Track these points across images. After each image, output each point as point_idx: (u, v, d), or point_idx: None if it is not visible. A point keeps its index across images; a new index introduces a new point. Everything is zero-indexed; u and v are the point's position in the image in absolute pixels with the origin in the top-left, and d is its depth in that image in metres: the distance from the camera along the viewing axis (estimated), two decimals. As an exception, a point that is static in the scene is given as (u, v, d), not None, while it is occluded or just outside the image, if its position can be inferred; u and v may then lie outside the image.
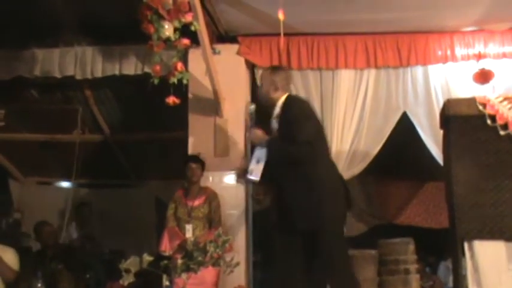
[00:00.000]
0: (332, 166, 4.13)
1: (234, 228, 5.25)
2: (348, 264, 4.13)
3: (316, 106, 5.39)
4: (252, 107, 4.50)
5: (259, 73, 5.62)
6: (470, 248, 4.12)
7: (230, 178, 5.43)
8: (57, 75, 5.79)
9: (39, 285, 4.86)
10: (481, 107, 4.15)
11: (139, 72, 5.67)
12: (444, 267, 6.75)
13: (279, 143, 4.06)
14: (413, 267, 5.21)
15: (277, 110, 4.15)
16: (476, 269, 4.10)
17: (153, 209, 7.41)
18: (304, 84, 5.51)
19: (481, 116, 4.14)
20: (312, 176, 3.92)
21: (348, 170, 5.38)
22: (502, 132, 4.10)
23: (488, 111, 4.13)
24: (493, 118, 4.12)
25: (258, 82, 4.30)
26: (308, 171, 3.93)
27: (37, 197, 7.64)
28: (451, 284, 5.71)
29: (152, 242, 6.13)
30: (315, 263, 3.98)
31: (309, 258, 3.99)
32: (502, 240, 4.10)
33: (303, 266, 4.02)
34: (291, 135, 3.93)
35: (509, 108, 4.12)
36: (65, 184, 8.00)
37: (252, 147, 4.44)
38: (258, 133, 4.24)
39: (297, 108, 4.07)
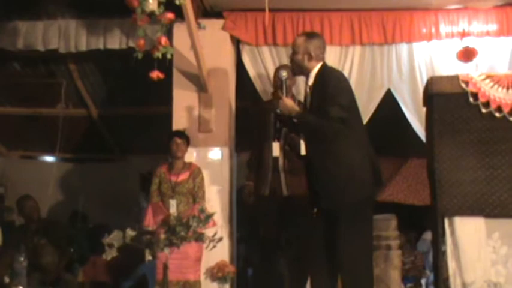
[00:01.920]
0: (362, 144, 3.95)
1: (218, 204, 5.26)
2: (367, 256, 3.97)
3: (301, 83, 5.41)
4: (284, 73, 4.22)
5: (244, 49, 5.61)
6: (451, 224, 4.15)
7: (214, 153, 5.43)
8: (41, 48, 5.73)
9: (22, 259, 4.88)
10: (463, 85, 4.15)
11: (124, 46, 5.62)
12: (422, 241, 6.84)
13: (310, 116, 3.94)
14: (395, 243, 5.26)
15: (310, 79, 4.02)
16: (456, 244, 4.13)
17: (137, 183, 7.42)
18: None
19: (464, 94, 4.13)
20: (339, 154, 3.84)
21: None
22: (483, 110, 4.10)
23: (470, 89, 4.13)
24: (475, 96, 4.12)
25: (293, 48, 4.03)
26: (337, 148, 3.84)
27: (21, 171, 7.64)
28: (430, 258, 5.79)
29: (136, 217, 6.15)
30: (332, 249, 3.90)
31: (328, 242, 3.92)
32: (482, 217, 4.12)
33: (322, 250, 3.96)
34: (324, 109, 3.81)
35: (491, 87, 4.12)
36: (49, 158, 7.99)
37: (279, 118, 4.23)
38: (289, 103, 4.03)
39: (332, 81, 3.91)
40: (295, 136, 4.46)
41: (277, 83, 4.78)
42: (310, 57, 4.01)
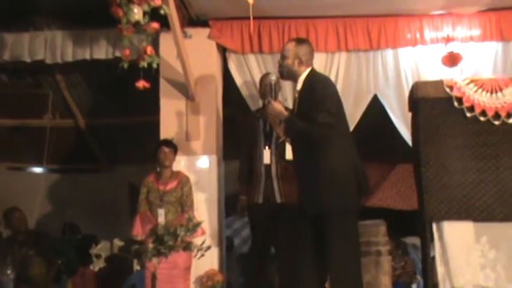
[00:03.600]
0: (348, 149, 3.99)
1: (206, 212, 5.26)
2: (354, 261, 3.98)
3: (287, 90, 5.43)
4: (273, 78, 4.33)
5: (230, 57, 5.63)
6: (439, 229, 4.17)
7: (202, 162, 5.43)
8: (27, 59, 5.74)
9: (9, 271, 4.84)
10: (448, 90, 4.19)
11: (110, 56, 5.64)
12: (410, 246, 6.86)
13: (298, 120, 3.97)
14: (384, 248, 5.25)
15: (299, 85, 4.07)
16: (444, 249, 4.15)
17: (125, 193, 7.41)
18: (276, 68, 5.49)
19: (448, 99, 4.17)
20: (324, 160, 3.88)
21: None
22: (468, 114, 4.14)
23: (455, 93, 4.17)
24: (459, 100, 4.16)
25: (283, 53, 4.12)
26: (322, 154, 3.88)
27: (8, 182, 7.57)
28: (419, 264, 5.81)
29: (125, 227, 6.13)
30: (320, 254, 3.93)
31: (316, 248, 3.96)
32: (470, 221, 4.14)
33: (311, 256, 3.99)
34: (311, 114, 3.86)
35: (476, 91, 4.16)
36: (37, 169, 7.95)
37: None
38: (277, 107, 4.13)
39: (320, 86, 3.97)
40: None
41: (265, 88, 4.80)
42: (300, 62, 4.07)
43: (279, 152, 4.82)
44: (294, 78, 4.14)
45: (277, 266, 5.08)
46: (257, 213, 4.93)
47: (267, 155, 4.86)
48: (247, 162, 5.01)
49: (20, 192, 7.11)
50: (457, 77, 4.42)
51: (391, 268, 5.38)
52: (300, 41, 4.24)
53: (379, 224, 5.34)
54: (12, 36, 5.72)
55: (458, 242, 4.14)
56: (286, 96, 5.39)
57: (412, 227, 6.74)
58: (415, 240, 6.58)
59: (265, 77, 5.04)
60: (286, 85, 5.31)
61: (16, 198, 6.67)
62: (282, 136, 4.52)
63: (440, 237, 4.17)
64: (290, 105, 5.15)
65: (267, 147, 4.84)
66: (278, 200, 4.84)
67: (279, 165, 4.85)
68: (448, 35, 5.41)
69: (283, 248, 4.87)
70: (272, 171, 4.87)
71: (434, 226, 4.18)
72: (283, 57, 4.13)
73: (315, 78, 4.06)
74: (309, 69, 4.10)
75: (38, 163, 7.53)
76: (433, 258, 4.23)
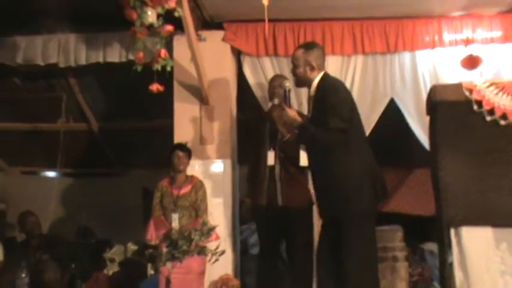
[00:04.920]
0: (364, 153, 4.00)
1: (220, 217, 5.27)
2: (371, 266, 3.99)
3: (302, 94, 5.42)
4: (287, 84, 4.32)
5: (245, 60, 5.64)
6: (457, 235, 4.14)
7: (216, 166, 5.44)
8: (40, 62, 5.78)
9: (24, 275, 4.87)
10: (467, 93, 4.16)
11: (123, 59, 5.67)
12: (427, 252, 6.81)
13: (312, 127, 3.98)
14: (401, 254, 5.26)
15: (312, 90, 4.09)
16: (463, 256, 4.12)
17: (139, 198, 7.43)
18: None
19: (468, 102, 4.14)
20: (338, 165, 3.89)
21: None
22: (488, 118, 4.11)
23: (474, 96, 4.14)
24: (479, 104, 4.13)
25: (293, 61, 4.14)
26: (336, 159, 3.90)
27: (21, 186, 7.65)
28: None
29: (139, 232, 6.16)
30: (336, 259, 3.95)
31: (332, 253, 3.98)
32: (489, 227, 4.12)
33: (327, 261, 4.02)
34: (325, 119, 3.87)
35: (496, 94, 4.14)
36: (50, 174, 8.00)
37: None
38: (292, 114, 4.13)
39: (331, 91, 3.97)
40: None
41: (274, 90, 4.90)
42: (312, 68, 4.08)
43: (288, 155, 4.83)
44: (308, 84, 4.15)
45: (288, 271, 5.08)
46: (261, 215, 4.95)
47: (271, 157, 4.87)
48: (253, 164, 5.03)
49: (33, 196, 7.16)
50: (477, 80, 4.39)
51: (408, 274, 5.37)
52: (308, 47, 4.22)
53: (396, 230, 5.33)
54: (25, 39, 5.76)
55: (477, 248, 4.11)
56: (302, 101, 5.39)
57: (430, 233, 6.71)
58: (432, 247, 6.53)
59: (275, 78, 5.07)
60: (302, 89, 5.30)
61: (30, 202, 6.71)
62: (286, 135, 4.61)
63: (459, 243, 4.14)
64: (305, 110, 5.18)
65: (272, 149, 4.85)
66: (280, 202, 4.84)
67: (282, 168, 4.86)
68: (467, 37, 5.38)
69: (294, 253, 4.88)
70: (275, 174, 4.87)
71: (452, 232, 4.15)
72: (294, 66, 4.15)
73: (327, 83, 4.07)
74: (321, 74, 4.10)
75: (52, 167, 7.57)
76: (451, 264, 4.20)
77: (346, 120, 3.89)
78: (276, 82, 4.97)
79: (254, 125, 5.18)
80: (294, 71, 4.17)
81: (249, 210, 5.03)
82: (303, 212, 4.82)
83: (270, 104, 5.04)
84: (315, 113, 4.05)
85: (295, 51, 4.25)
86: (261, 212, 4.94)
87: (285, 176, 4.84)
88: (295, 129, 4.10)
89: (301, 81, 4.17)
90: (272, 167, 4.86)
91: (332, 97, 3.93)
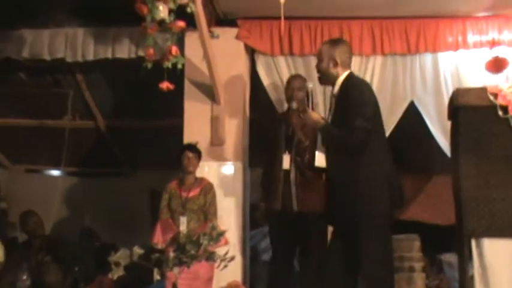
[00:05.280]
0: (383, 158, 4.01)
1: (230, 221, 5.24)
2: (386, 273, 3.97)
3: (319, 94, 5.39)
4: (310, 85, 4.39)
5: (258, 58, 5.61)
6: (478, 246, 4.10)
7: (227, 168, 5.42)
8: (47, 57, 5.77)
9: (25, 277, 4.87)
10: (492, 98, 4.12)
11: (133, 56, 5.66)
12: (445, 264, 6.78)
13: (335, 129, 4.01)
14: (418, 265, 5.23)
15: (336, 88, 4.10)
16: (484, 268, 4.08)
17: (146, 200, 7.42)
18: (307, 71, 5.47)
19: (492, 107, 4.10)
20: (358, 167, 3.90)
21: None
22: (514, 124, 4.08)
23: (499, 101, 4.10)
24: (504, 109, 4.09)
25: (318, 56, 4.21)
26: (356, 161, 3.91)
27: (25, 185, 7.67)
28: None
29: (145, 235, 6.15)
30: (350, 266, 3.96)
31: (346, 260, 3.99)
32: (513, 238, 4.08)
33: (340, 268, 4.01)
34: (348, 120, 3.89)
35: (522, 99, 4.10)
36: (55, 172, 8.02)
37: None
38: (314, 116, 4.16)
39: (357, 90, 3.99)
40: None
41: (291, 94, 4.89)
42: (335, 64, 4.10)
43: (304, 160, 4.81)
44: (331, 81, 4.16)
45: (300, 278, 5.05)
46: (276, 220, 4.93)
47: (286, 160, 4.85)
48: (268, 167, 5.00)
49: (37, 195, 7.18)
50: (503, 84, 4.34)
51: (425, 286, 5.34)
52: (334, 42, 4.28)
53: (413, 239, 5.30)
54: (31, 32, 5.76)
55: (499, 260, 4.07)
56: (318, 101, 5.35)
57: (449, 244, 6.67)
58: (451, 258, 6.49)
59: (292, 79, 5.06)
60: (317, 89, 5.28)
61: (33, 201, 6.72)
62: (304, 141, 4.63)
63: (480, 255, 4.10)
64: (321, 111, 5.15)
65: (287, 152, 4.83)
66: (295, 207, 4.81)
67: (298, 172, 4.83)
68: (493, 39, 5.32)
69: (307, 260, 4.85)
70: (291, 178, 4.85)
71: (473, 243, 4.12)
72: (319, 60, 4.19)
73: (353, 81, 4.09)
74: (347, 72, 4.12)
75: (56, 166, 7.59)
76: (472, 277, 4.16)
77: (369, 120, 3.90)
78: (295, 84, 4.95)
79: (269, 127, 5.15)
80: (318, 67, 4.21)
81: (263, 214, 4.98)
82: (319, 218, 4.78)
83: (286, 107, 5.02)
84: (338, 111, 4.06)
85: (321, 46, 4.31)
86: (275, 217, 4.92)
87: (301, 180, 4.81)
88: (318, 132, 4.15)
89: (325, 78, 4.19)
90: (287, 171, 4.84)
91: (357, 96, 3.94)
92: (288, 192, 4.83)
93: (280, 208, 4.85)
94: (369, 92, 4.10)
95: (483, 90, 4.19)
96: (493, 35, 5.35)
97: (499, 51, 5.31)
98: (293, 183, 4.83)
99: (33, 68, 6.32)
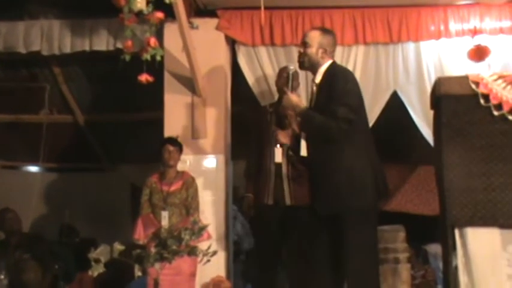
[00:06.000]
0: (366, 148, 4.02)
1: (212, 215, 5.28)
2: (372, 266, 4.01)
3: (301, 84, 5.42)
4: (292, 68, 4.34)
5: (239, 49, 5.63)
6: (462, 236, 4.14)
7: (209, 161, 5.45)
8: (22, 50, 5.77)
9: (2, 276, 4.87)
10: (473, 86, 4.15)
11: (111, 48, 5.67)
12: (431, 254, 6.85)
13: (316, 114, 3.99)
14: (403, 256, 5.27)
15: (318, 77, 4.10)
16: (468, 258, 4.12)
17: (127, 194, 7.43)
18: (288, 61, 5.49)
19: (474, 96, 4.13)
20: (341, 157, 3.91)
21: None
22: (495, 113, 4.10)
23: (481, 90, 4.13)
24: (486, 98, 4.12)
25: (306, 40, 4.14)
26: (339, 151, 3.92)
27: (2, 182, 7.62)
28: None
29: (126, 230, 6.16)
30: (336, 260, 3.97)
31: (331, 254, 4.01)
32: (496, 227, 4.12)
33: (326, 262, 4.04)
34: (331, 108, 3.89)
35: (504, 87, 4.12)
36: (32, 168, 7.99)
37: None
38: (294, 98, 4.12)
39: (341, 79, 3.99)
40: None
41: (284, 81, 4.78)
42: (324, 52, 4.11)
43: (293, 149, 4.81)
44: (314, 69, 4.15)
45: (288, 274, 5.08)
46: (266, 214, 4.94)
47: (278, 154, 4.82)
48: (256, 160, 5.01)
49: (14, 192, 7.15)
50: (484, 73, 4.39)
51: (410, 277, 5.39)
52: (325, 31, 4.30)
53: (397, 230, 5.34)
54: (5, 25, 5.74)
55: (483, 250, 4.10)
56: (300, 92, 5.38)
57: (433, 234, 6.74)
58: (436, 248, 6.57)
59: (285, 68, 5.04)
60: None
61: (10, 198, 6.70)
62: (298, 132, 4.55)
63: (464, 244, 4.13)
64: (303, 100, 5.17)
65: (278, 145, 4.79)
66: (288, 202, 4.84)
67: (290, 165, 4.85)
68: (475, 27, 5.38)
69: (296, 254, 4.88)
70: (283, 171, 4.86)
71: (457, 233, 4.15)
72: (306, 44, 4.15)
73: (336, 71, 4.10)
74: (330, 61, 4.13)
75: (34, 162, 7.57)
76: (456, 267, 4.20)
77: (354, 111, 3.92)
78: (285, 72, 4.80)
79: (254, 119, 5.17)
80: (303, 51, 4.17)
81: (251, 206, 4.99)
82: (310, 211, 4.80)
83: (277, 98, 5.01)
84: (320, 100, 4.05)
85: (309, 31, 4.28)
86: (265, 212, 4.92)
87: (293, 174, 4.83)
88: (297, 116, 4.10)
89: (309, 63, 4.15)
90: (279, 165, 4.84)
91: (341, 85, 3.95)
92: (280, 186, 4.85)
93: (272, 203, 4.86)
94: (354, 82, 4.11)
95: (465, 78, 4.22)
96: (474, 23, 5.41)
97: (481, 40, 5.38)
98: (285, 176, 4.85)
99: (8, 61, 6.29)
